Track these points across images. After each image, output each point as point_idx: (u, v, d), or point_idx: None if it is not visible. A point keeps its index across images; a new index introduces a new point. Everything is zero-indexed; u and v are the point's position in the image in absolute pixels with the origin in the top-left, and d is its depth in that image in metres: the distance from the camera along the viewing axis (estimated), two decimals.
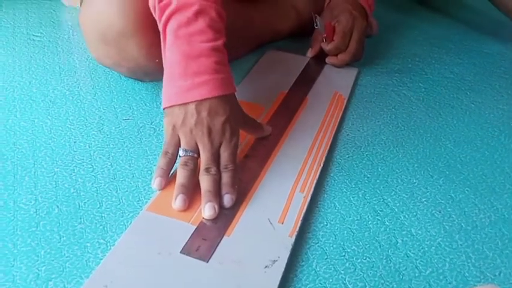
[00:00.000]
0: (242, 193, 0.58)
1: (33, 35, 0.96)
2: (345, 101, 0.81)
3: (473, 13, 1.24)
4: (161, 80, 0.61)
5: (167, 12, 0.60)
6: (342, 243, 0.56)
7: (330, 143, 0.70)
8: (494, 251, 0.56)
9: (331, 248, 0.55)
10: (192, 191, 0.56)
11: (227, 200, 0.56)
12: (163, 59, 0.62)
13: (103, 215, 0.56)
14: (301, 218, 0.56)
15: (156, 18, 0.63)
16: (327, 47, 0.88)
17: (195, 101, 0.58)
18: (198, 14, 0.59)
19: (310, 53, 0.92)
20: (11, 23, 1.00)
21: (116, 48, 0.70)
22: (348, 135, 0.74)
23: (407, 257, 0.55)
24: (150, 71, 0.73)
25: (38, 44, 0.93)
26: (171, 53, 0.60)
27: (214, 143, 0.58)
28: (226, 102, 0.60)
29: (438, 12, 1.24)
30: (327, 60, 0.89)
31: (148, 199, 0.58)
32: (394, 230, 0.58)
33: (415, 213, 0.60)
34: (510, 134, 0.77)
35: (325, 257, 0.54)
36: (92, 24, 0.71)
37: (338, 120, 0.75)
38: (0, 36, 0.95)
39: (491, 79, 0.94)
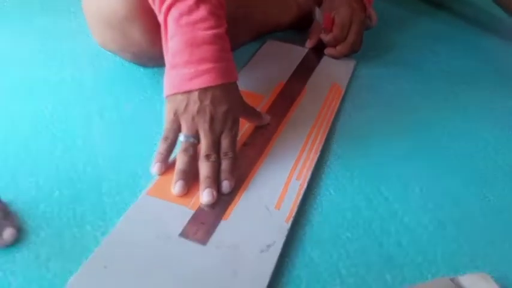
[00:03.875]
0: (240, 180, 0.59)
1: (35, 20, 0.96)
2: (342, 92, 0.81)
3: (471, 8, 1.24)
4: (164, 65, 0.62)
5: (167, 2, 0.60)
6: (336, 230, 0.57)
7: (326, 132, 0.71)
8: (485, 241, 0.57)
9: (326, 234, 0.56)
10: (191, 177, 0.57)
11: (225, 186, 0.57)
12: (164, 49, 0.62)
13: (103, 198, 0.57)
14: (297, 205, 0.57)
15: (156, 9, 0.62)
16: (326, 38, 0.88)
17: (198, 89, 0.58)
18: (198, 1, 0.60)
19: (308, 44, 0.93)
20: (13, 8, 1.00)
21: (121, 33, 0.71)
22: (344, 125, 0.75)
23: (400, 244, 0.56)
24: (154, 56, 0.73)
25: (40, 29, 0.93)
26: (173, 42, 0.60)
27: (215, 131, 0.59)
28: (229, 91, 0.60)
29: (437, 6, 1.24)
30: (325, 51, 0.90)
31: (148, 183, 0.59)
32: (388, 218, 0.59)
33: (408, 202, 0.62)
34: (504, 127, 0.78)
35: (320, 243, 0.55)
36: (96, 10, 0.71)
37: (335, 110, 0.76)
38: (1, 21, 0.95)
39: (487, 73, 0.94)
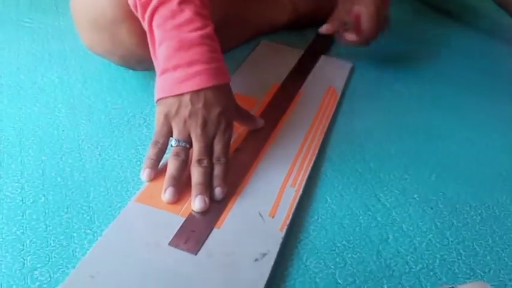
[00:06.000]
0: (233, 186, 0.58)
1: (23, 21, 0.94)
2: (338, 96, 0.80)
3: (471, 13, 1.24)
4: (153, 68, 0.60)
5: (150, 8, 0.59)
6: (332, 237, 0.55)
7: (322, 137, 0.69)
8: (485, 248, 0.56)
9: (322, 242, 0.54)
10: (182, 183, 0.56)
11: (218, 193, 0.55)
12: (152, 57, 0.61)
13: (90, 204, 0.56)
14: (292, 212, 0.56)
15: (139, 16, 0.61)
16: (353, 38, 0.84)
17: (190, 92, 0.57)
18: (181, 3, 0.58)
19: (324, 29, 0.86)
20: (0, 8, 0.99)
21: (109, 36, 0.69)
22: (340, 130, 0.73)
23: (398, 252, 0.54)
24: (143, 59, 0.71)
25: (28, 30, 0.91)
26: (162, 49, 0.59)
27: (208, 135, 0.57)
28: (221, 93, 0.59)
29: (437, 10, 1.24)
30: (345, 36, 0.85)
31: (137, 189, 0.57)
32: (386, 225, 0.58)
33: (406, 209, 0.60)
34: (503, 133, 0.77)
35: (316, 251, 0.53)
36: (84, 12, 0.70)
37: (331, 114, 0.75)
38: None
39: (485, 78, 0.94)
